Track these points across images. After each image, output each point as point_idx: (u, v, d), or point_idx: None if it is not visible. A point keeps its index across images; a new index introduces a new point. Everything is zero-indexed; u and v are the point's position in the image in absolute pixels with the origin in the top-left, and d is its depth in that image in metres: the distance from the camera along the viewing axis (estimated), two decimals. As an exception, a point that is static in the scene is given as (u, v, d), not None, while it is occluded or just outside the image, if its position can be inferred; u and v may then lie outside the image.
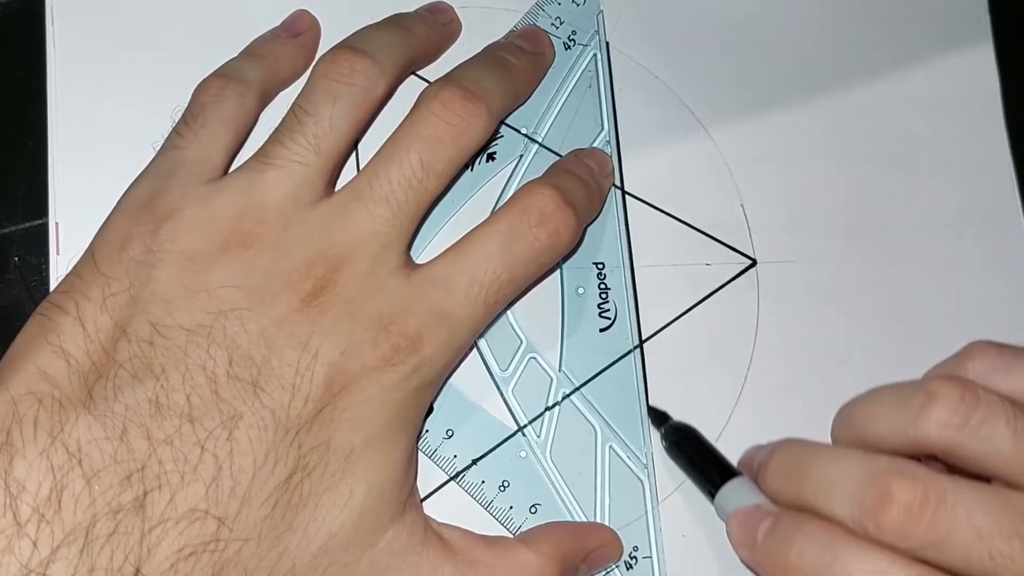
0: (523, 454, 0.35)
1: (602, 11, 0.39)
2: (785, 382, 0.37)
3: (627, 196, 0.38)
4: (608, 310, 0.37)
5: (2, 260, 0.35)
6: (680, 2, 0.39)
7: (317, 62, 0.33)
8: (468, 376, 0.36)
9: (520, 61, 0.36)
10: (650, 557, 0.35)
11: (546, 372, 0.36)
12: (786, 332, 0.37)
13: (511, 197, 0.34)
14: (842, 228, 0.38)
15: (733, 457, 0.35)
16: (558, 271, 0.37)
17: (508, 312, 0.36)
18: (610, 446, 0.35)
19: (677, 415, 0.36)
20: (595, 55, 0.38)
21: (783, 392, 0.36)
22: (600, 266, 0.37)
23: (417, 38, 0.36)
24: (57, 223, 0.34)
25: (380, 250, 0.31)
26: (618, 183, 0.38)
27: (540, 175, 0.35)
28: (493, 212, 0.34)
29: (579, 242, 0.36)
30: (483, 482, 0.35)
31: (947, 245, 0.39)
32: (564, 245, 0.33)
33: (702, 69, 0.39)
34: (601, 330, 0.36)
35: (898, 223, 0.39)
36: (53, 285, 0.34)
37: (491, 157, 0.37)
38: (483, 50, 0.37)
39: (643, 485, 0.35)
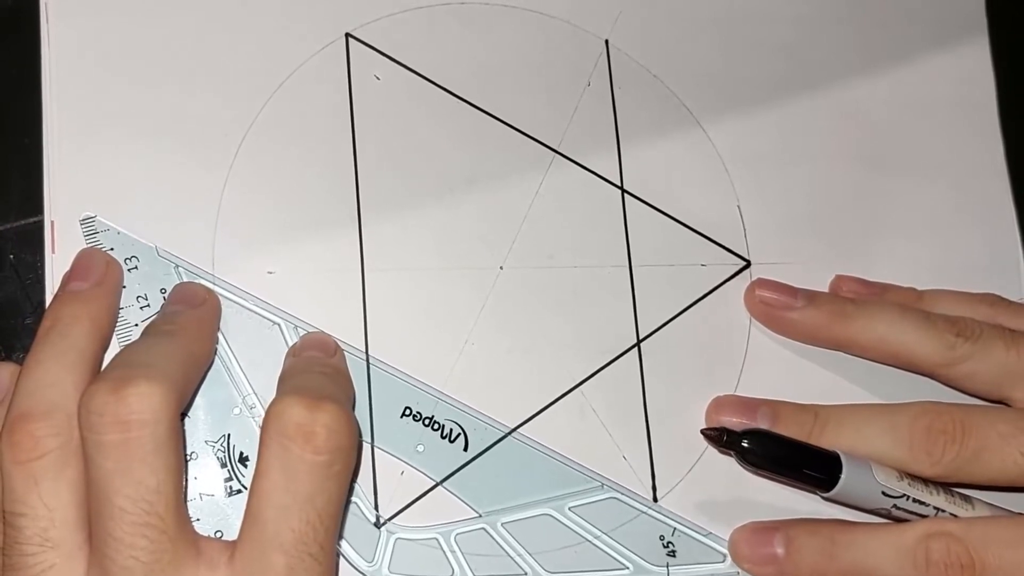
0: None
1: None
2: (778, 384, 0.37)
3: (626, 195, 0.38)
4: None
5: (-3, 258, 0.34)
6: (679, 2, 0.39)
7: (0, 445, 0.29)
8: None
9: (180, 321, 0.32)
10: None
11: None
12: (779, 335, 0.38)
13: (262, 428, 0.29)
14: (836, 230, 0.39)
15: (724, 459, 0.36)
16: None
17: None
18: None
19: (672, 413, 0.36)
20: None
21: (776, 393, 0.37)
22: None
23: (82, 344, 0.31)
24: (53, 221, 0.34)
25: None
26: (618, 182, 0.38)
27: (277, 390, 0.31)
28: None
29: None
30: None
31: (941, 247, 0.39)
32: (348, 444, 0.29)
33: (700, 69, 0.39)
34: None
35: (892, 225, 0.39)
36: (49, 283, 0.34)
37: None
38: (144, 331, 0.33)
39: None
